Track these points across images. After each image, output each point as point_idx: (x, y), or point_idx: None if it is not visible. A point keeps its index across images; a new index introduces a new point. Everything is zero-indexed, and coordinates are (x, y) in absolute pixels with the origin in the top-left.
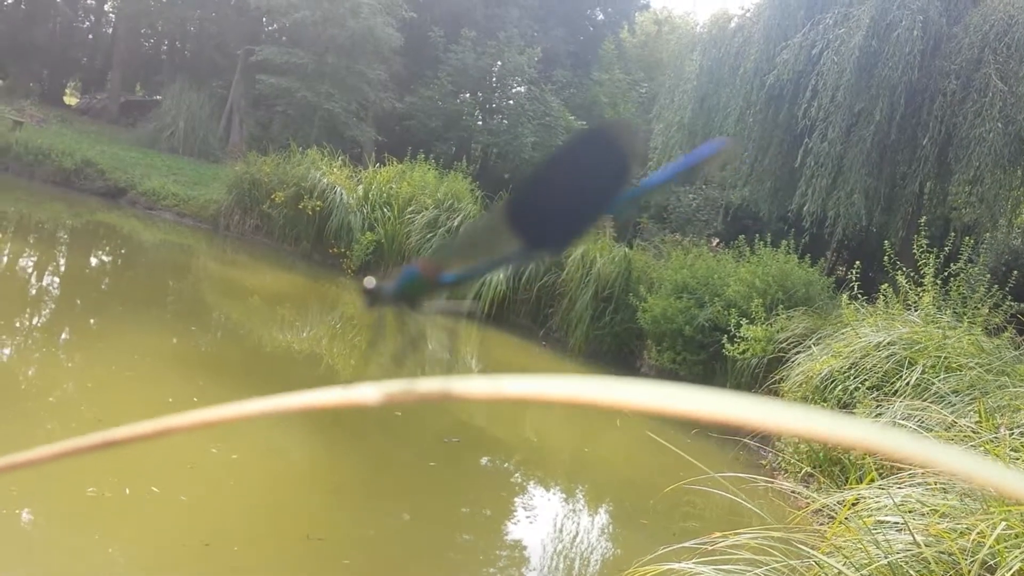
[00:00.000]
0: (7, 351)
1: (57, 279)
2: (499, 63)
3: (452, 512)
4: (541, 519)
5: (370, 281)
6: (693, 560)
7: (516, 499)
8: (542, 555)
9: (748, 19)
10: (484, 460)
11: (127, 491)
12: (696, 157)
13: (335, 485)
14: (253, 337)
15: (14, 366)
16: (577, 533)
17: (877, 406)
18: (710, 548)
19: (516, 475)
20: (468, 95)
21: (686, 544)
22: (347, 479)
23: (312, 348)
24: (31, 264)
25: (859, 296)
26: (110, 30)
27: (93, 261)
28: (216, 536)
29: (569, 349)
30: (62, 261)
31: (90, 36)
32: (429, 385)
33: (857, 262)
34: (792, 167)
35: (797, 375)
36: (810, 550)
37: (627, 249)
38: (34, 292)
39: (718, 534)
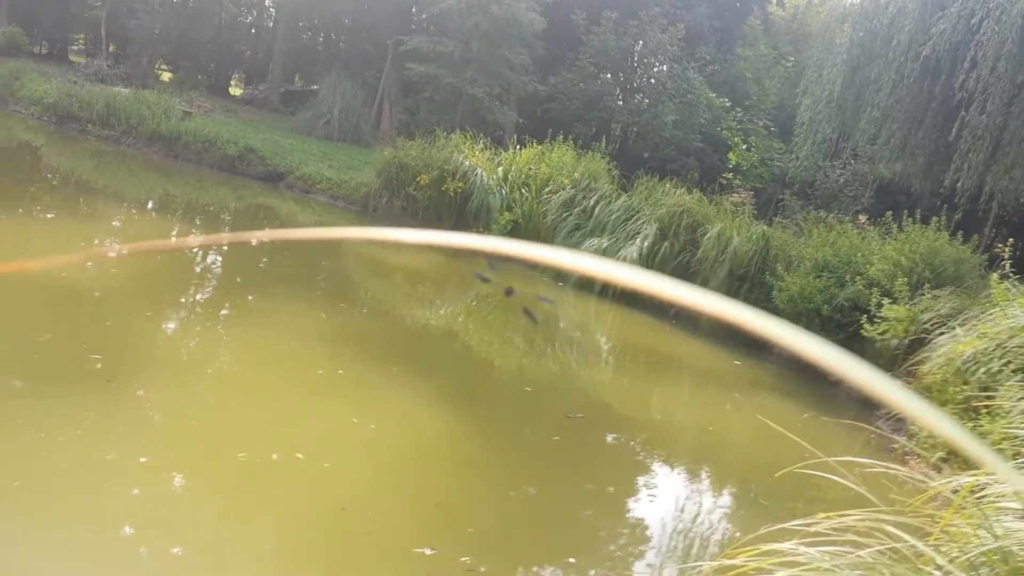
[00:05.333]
0: (172, 324)
1: (219, 258)
2: (640, 43)
3: (576, 487)
4: (662, 497)
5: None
6: (795, 540)
7: (639, 477)
8: (661, 533)
9: None
10: (609, 437)
11: (275, 456)
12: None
13: (465, 456)
14: (395, 314)
15: (178, 338)
16: (698, 513)
17: (1021, 389)
18: (812, 529)
19: (639, 453)
20: (609, 76)
21: (787, 525)
22: (476, 451)
23: (449, 325)
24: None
25: (1011, 275)
26: (271, 24)
27: (253, 241)
28: (352, 501)
29: (700, 328)
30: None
31: (253, 30)
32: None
33: (1011, 239)
34: (946, 141)
35: (938, 356)
36: (909, 535)
37: (765, 227)
38: (198, 270)
39: (822, 515)
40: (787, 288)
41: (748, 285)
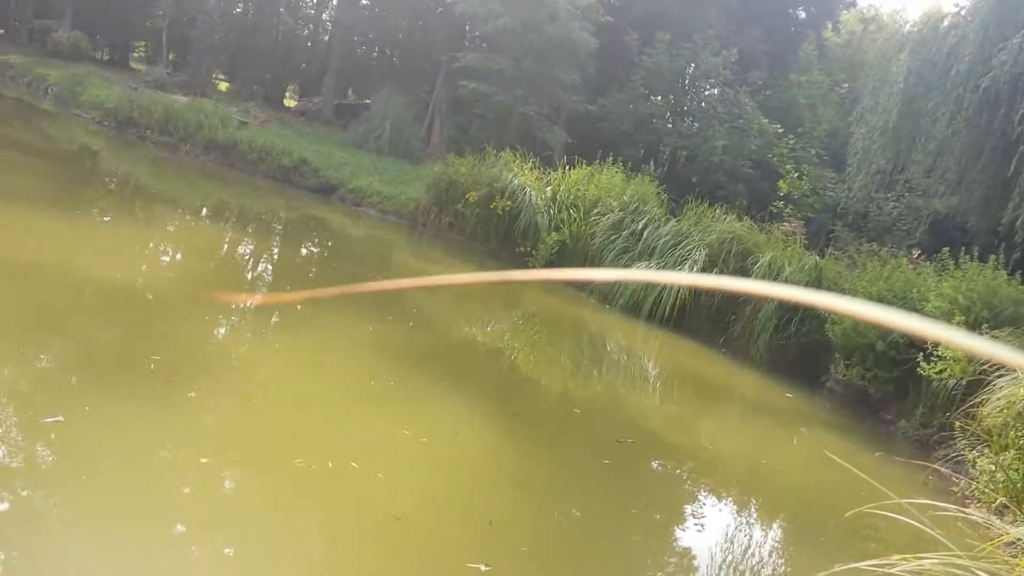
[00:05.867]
0: (225, 330)
1: (271, 265)
2: (693, 65)
3: (623, 512)
4: (711, 527)
5: None
6: None
7: (687, 505)
8: (710, 564)
9: (962, 18)
10: (656, 464)
11: (330, 464)
12: None
13: (514, 474)
14: (442, 328)
15: (231, 343)
16: (749, 546)
17: None
18: (886, 571)
19: (688, 481)
20: (659, 98)
21: (861, 564)
22: (526, 470)
23: (496, 342)
24: (250, 251)
25: None
26: (327, 38)
27: (304, 251)
28: (406, 512)
29: (750, 358)
30: (276, 250)
31: (309, 43)
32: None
33: None
34: (1005, 176)
35: (998, 399)
36: None
37: (818, 258)
38: (251, 276)
39: (897, 557)
40: (840, 321)
41: (799, 317)
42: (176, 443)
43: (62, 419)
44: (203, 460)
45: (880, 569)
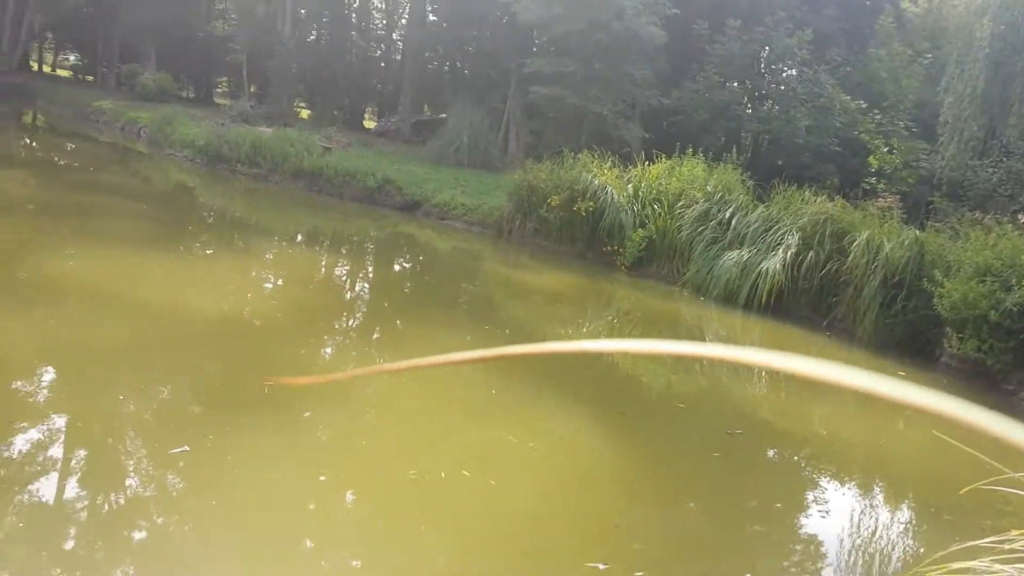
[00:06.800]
0: (329, 349)
1: (367, 284)
2: (767, 48)
3: (740, 504)
4: (835, 513)
5: None
6: (989, 558)
7: (808, 492)
8: (838, 549)
9: None
10: (771, 453)
11: (443, 475)
12: None
13: (623, 474)
14: (538, 333)
15: (337, 363)
16: (875, 528)
17: None
18: (1007, 547)
19: (806, 468)
20: (736, 84)
21: (979, 542)
22: (635, 468)
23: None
24: (345, 272)
25: None
26: (399, 57)
27: (396, 268)
28: (521, 517)
29: (857, 339)
30: (370, 269)
31: (382, 64)
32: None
33: None
34: None
35: None
36: None
37: (917, 232)
38: (349, 296)
39: (1016, 532)
40: (948, 295)
41: (905, 293)
42: (295, 463)
43: (188, 449)
44: (322, 478)
45: (998, 545)
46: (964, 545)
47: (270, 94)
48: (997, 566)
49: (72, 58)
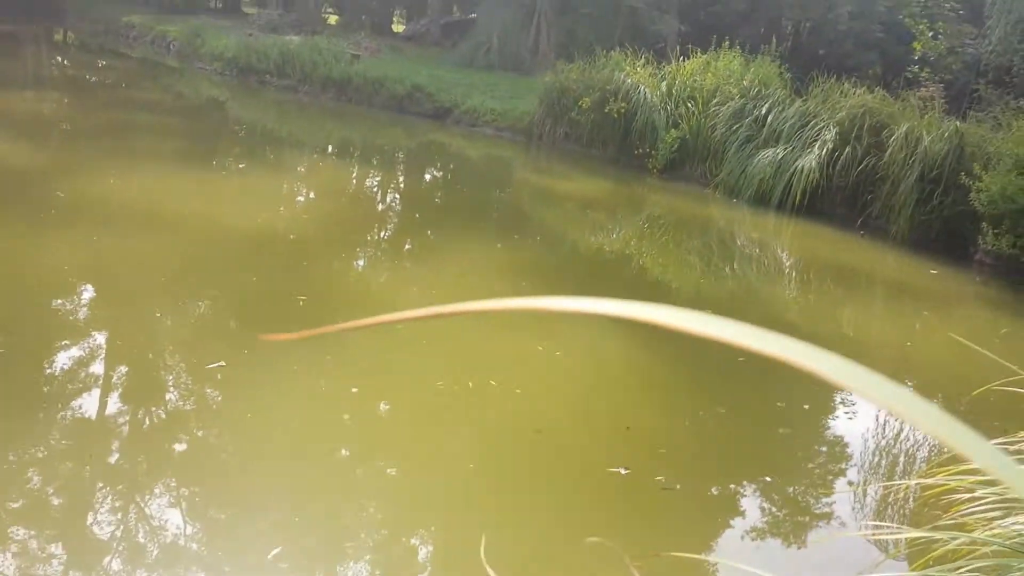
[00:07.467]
0: (361, 262)
1: (398, 195)
2: None
3: (767, 407)
4: (862, 414)
5: None
6: None
7: (835, 394)
8: (863, 450)
9: None
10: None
11: (470, 384)
12: None
13: (650, 380)
14: (568, 241)
15: (369, 275)
16: (901, 429)
17: None
18: (1014, 448)
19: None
20: None
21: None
22: (661, 374)
23: (623, 249)
24: (376, 183)
25: None
26: None
27: (427, 177)
28: (546, 424)
29: (891, 237)
30: (402, 179)
31: None
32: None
33: None
34: None
35: None
36: None
37: (958, 123)
38: (381, 208)
39: (1023, 433)
40: (987, 188)
41: (942, 188)
42: (328, 377)
43: (224, 364)
44: (354, 390)
45: (1005, 447)
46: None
47: (298, 1)
48: None
49: None
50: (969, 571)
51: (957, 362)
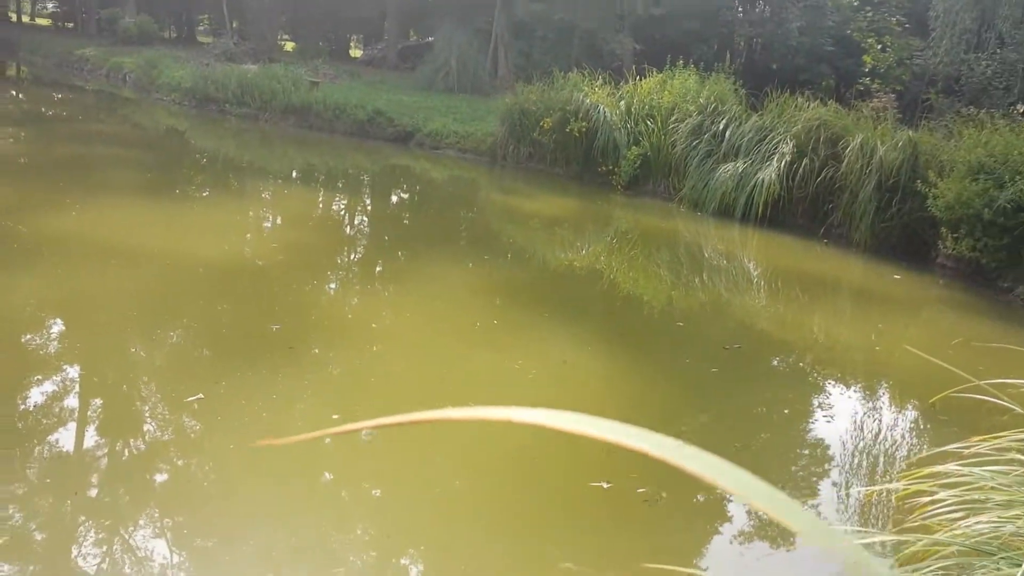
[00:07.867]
0: (333, 285)
1: (366, 219)
2: None
3: (745, 414)
4: (840, 417)
5: None
6: (955, 462)
7: (812, 398)
8: (842, 452)
9: None
10: (775, 361)
11: (449, 406)
12: None
13: (626, 393)
14: (538, 258)
15: (341, 300)
16: (879, 431)
17: None
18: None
19: (807, 376)
20: None
21: (947, 448)
22: (638, 388)
23: (593, 263)
24: (343, 208)
25: None
26: None
27: (394, 200)
28: (526, 443)
29: (854, 245)
30: (369, 203)
31: None
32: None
33: None
34: None
35: None
36: None
37: (911, 132)
38: (349, 232)
39: (977, 439)
40: (943, 195)
41: (899, 195)
42: (307, 403)
43: (202, 396)
44: (335, 416)
45: (960, 451)
46: (933, 451)
47: (253, 29)
48: (967, 469)
49: (51, 6)
50: (933, 572)
51: (925, 363)
